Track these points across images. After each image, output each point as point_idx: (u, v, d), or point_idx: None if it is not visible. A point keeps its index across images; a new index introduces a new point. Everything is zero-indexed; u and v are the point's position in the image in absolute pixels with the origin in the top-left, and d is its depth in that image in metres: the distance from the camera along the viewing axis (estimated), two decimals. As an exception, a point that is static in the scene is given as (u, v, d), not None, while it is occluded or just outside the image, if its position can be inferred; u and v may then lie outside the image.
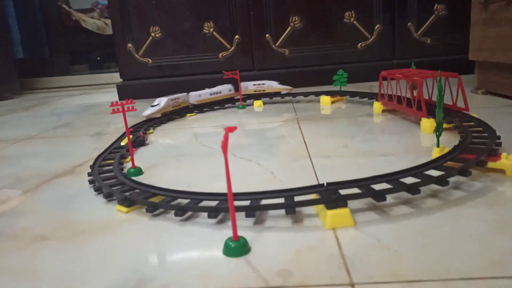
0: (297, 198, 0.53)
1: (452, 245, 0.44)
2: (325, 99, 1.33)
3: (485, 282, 0.37)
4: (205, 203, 0.56)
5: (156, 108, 1.22)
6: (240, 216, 0.53)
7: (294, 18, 1.76)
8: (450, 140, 0.81)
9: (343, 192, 0.53)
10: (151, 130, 1.11)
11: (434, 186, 0.57)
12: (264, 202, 0.53)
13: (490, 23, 1.20)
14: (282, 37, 1.79)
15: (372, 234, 0.47)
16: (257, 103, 1.41)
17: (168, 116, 1.25)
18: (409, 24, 1.77)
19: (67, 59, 2.96)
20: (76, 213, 0.61)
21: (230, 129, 0.44)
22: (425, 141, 0.84)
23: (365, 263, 0.42)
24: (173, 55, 1.81)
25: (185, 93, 1.36)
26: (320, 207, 0.53)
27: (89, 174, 0.74)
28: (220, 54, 1.81)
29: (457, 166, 0.60)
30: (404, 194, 0.56)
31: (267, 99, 1.45)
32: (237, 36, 1.79)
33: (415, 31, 1.77)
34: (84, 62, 3.04)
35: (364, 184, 0.55)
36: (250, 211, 0.52)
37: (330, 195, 0.52)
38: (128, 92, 1.82)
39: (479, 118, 0.85)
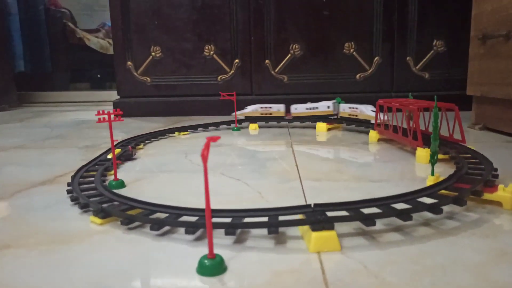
0: (281, 218, 0.50)
1: (444, 274, 0.40)
2: (321, 126, 1.32)
3: (479, 316, 0.34)
4: (184, 218, 0.53)
5: (244, 111, 1.37)
6: (220, 233, 0.50)
7: (294, 46, 1.77)
8: (445, 171, 0.78)
9: (330, 214, 0.50)
10: (141, 146, 1.09)
11: (427, 215, 0.54)
12: (247, 220, 0.50)
13: (488, 58, 1.20)
14: (282, 63, 1.79)
15: (359, 260, 0.44)
16: (253, 126, 1.39)
17: (160, 132, 1.23)
18: (408, 58, 1.78)
19: (68, 75, 2.96)
20: (46, 222, 0.57)
21: (212, 139, 0.42)
22: (419, 171, 0.82)
23: (348, 290, 0.38)
24: (171, 75, 1.81)
25: (281, 104, 1.40)
26: (306, 228, 0.49)
27: (68, 185, 0.71)
28: (219, 77, 1.81)
29: (451, 195, 0.57)
30: (395, 221, 0.53)
31: (262, 123, 1.44)
32: (237, 60, 1.79)
33: (414, 65, 1.78)
34: (84, 79, 3.04)
35: (353, 208, 0.52)
36: (230, 229, 0.49)
37: (316, 216, 0.49)
38: (124, 109, 1.79)
39: (475, 150, 0.82)
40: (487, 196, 0.59)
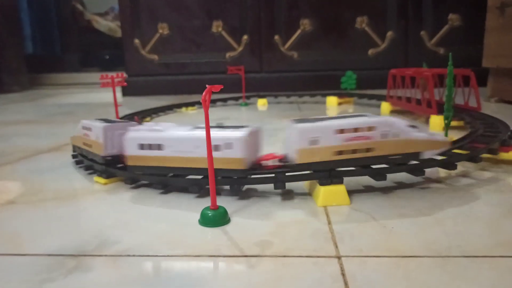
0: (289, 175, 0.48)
1: (455, 225, 0.39)
2: (331, 100, 1.29)
3: (491, 260, 0.32)
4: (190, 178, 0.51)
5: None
6: (226, 192, 0.49)
7: (304, 21, 1.73)
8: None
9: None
10: (148, 119, 1.08)
11: (441, 173, 0.52)
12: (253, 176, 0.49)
13: (506, 28, 1.15)
14: (292, 39, 1.76)
15: (367, 212, 0.43)
16: (261, 102, 1.37)
17: (168, 107, 1.22)
18: (422, 32, 1.73)
19: (78, 57, 2.97)
20: (50, 183, 0.57)
21: (214, 87, 0.40)
22: (432, 137, 0.79)
23: (356, 238, 0.37)
24: (180, 53, 1.79)
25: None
26: (314, 185, 0.48)
27: (74, 150, 0.70)
28: (228, 54, 1.78)
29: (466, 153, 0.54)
30: (407, 178, 0.51)
31: (272, 98, 1.42)
32: (245, 37, 1.76)
33: (428, 40, 1.73)
34: (94, 61, 3.04)
35: (363, 164, 0.50)
36: (236, 185, 0.48)
37: (323, 172, 0.47)
38: (133, 89, 1.79)
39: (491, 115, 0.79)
40: (503, 155, 0.57)
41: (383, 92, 1.62)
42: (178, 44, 1.78)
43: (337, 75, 1.67)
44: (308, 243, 0.36)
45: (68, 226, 0.42)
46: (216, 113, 1.21)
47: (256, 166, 0.49)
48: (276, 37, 1.76)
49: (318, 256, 0.34)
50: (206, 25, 1.77)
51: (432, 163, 0.50)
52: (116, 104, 0.70)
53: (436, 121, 0.83)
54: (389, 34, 1.73)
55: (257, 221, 0.41)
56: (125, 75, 0.70)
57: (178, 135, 0.48)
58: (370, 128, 0.45)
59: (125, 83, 0.69)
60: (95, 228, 0.41)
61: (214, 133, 0.45)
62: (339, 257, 0.33)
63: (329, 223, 0.40)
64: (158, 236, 0.39)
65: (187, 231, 0.40)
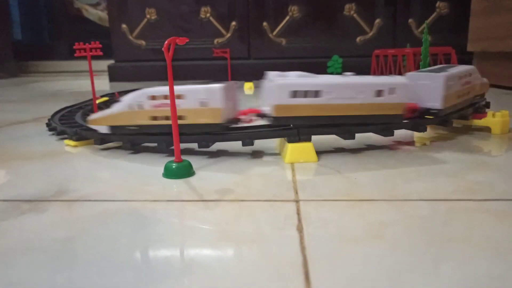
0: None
1: (418, 177, 0.39)
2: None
3: (448, 203, 0.32)
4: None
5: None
6: (195, 151, 0.49)
7: (292, 8, 1.73)
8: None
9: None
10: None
11: (414, 138, 0.52)
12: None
13: (490, 11, 1.16)
14: (280, 26, 1.75)
15: (332, 167, 0.42)
16: (248, 85, 1.37)
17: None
18: (410, 20, 1.73)
19: (67, 46, 2.94)
20: (21, 146, 0.56)
21: (178, 38, 0.40)
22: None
23: (318, 188, 0.37)
24: (168, 39, 1.77)
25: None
26: (280, 142, 0.48)
27: (48, 120, 0.69)
28: (216, 41, 1.77)
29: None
30: (376, 140, 0.51)
31: (258, 82, 1.41)
32: (234, 23, 1.76)
33: (416, 28, 1.74)
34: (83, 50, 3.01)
35: (333, 124, 0.50)
36: (203, 142, 0.47)
37: (293, 129, 0.47)
38: (120, 74, 1.78)
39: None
40: (476, 122, 0.57)
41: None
42: (166, 29, 1.77)
43: (325, 62, 1.67)
44: (269, 191, 0.36)
45: (30, 180, 0.41)
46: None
47: (234, 121, 0.48)
48: (265, 23, 1.75)
49: (276, 200, 0.34)
50: (194, 11, 1.75)
51: (402, 125, 0.50)
52: (91, 75, 0.69)
53: (416, 97, 0.83)
54: (377, 21, 1.73)
55: (222, 174, 0.41)
56: (100, 45, 0.69)
57: (339, 80, 0.45)
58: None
59: (101, 53, 0.68)
60: (56, 180, 0.40)
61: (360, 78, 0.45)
62: (297, 201, 0.33)
63: (294, 176, 0.40)
64: (118, 186, 0.38)
65: (149, 182, 0.39)
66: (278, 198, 0.34)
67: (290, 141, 0.45)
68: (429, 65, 0.70)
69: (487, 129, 0.56)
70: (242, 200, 0.34)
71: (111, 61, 1.82)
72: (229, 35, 1.76)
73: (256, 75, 1.68)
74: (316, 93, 0.44)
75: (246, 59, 1.78)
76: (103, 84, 1.68)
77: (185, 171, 0.40)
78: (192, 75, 1.75)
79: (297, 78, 0.46)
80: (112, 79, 1.79)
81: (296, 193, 0.35)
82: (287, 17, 1.75)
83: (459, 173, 0.39)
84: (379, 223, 0.29)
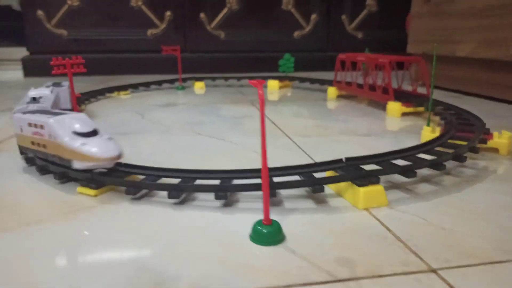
0: (316, 175, 0.44)
1: (496, 216, 0.39)
2: (273, 84, 1.27)
3: None
4: (162, 180, 0.44)
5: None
6: (249, 197, 0.43)
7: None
8: (417, 124, 0.79)
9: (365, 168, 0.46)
10: (82, 106, 0.93)
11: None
12: (276, 180, 0.44)
13: (431, 16, 1.24)
14: (218, 18, 1.68)
15: (412, 213, 0.41)
16: (199, 85, 1.29)
17: (99, 92, 1.07)
18: (343, 16, 1.79)
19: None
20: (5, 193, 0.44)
21: (259, 81, 0.35)
22: (396, 124, 0.82)
23: (430, 246, 0.35)
24: (93, 28, 1.58)
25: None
26: (343, 185, 0.45)
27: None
28: (149, 32, 1.63)
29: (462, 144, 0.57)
30: (420, 172, 0.51)
31: (209, 81, 1.34)
32: (168, 13, 1.63)
33: (348, 24, 1.81)
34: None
35: (384, 160, 0.49)
36: (272, 189, 0.42)
37: (356, 171, 0.44)
38: (37, 68, 1.55)
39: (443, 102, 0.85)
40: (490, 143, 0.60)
41: (318, 75, 1.65)
42: (90, 17, 1.57)
43: (265, 57, 1.65)
44: (389, 256, 0.33)
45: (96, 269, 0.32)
46: (154, 97, 1.10)
47: None
48: (202, 15, 1.66)
49: (413, 273, 0.31)
50: (123, -2, 1.59)
51: (447, 157, 0.50)
52: (73, 95, 0.58)
53: (395, 107, 0.87)
54: (313, 17, 1.76)
55: (311, 233, 0.37)
56: (83, 60, 0.57)
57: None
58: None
59: (84, 69, 0.57)
60: (130, 260, 0.32)
61: None
62: (434, 271, 0.31)
63: (388, 229, 0.38)
64: (216, 261, 0.32)
65: (244, 251, 0.34)
66: (412, 270, 0.32)
67: (361, 185, 0.43)
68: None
69: (494, 150, 0.60)
70: (380, 277, 0.31)
71: (24, 49, 1.57)
72: (164, 26, 1.64)
73: (193, 70, 1.59)
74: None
75: (182, 52, 1.67)
76: (16, 79, 1.44)
77: (279, 237, 0.35)
78: (124, 70, 1.60)
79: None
80: (27, 73, 1.55)
81: (420, 258, 0.33)
82: (225, 9, 1.68)
83: (533, 213, 0.41)
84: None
